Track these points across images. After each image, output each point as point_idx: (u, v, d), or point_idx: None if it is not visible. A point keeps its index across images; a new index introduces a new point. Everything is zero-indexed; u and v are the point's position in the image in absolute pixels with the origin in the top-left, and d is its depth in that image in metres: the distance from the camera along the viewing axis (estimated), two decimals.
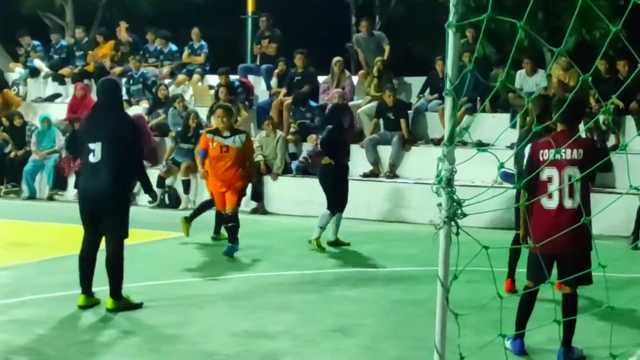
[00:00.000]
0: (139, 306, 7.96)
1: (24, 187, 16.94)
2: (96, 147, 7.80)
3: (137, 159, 8.21)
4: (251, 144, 11.51)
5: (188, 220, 11.85)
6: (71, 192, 16.03)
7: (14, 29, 22.00)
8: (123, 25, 19.74)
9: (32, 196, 16.76)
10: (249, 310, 7.94)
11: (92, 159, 7.81)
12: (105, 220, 7.78)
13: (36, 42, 20.48)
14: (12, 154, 17.22)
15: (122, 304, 7.87)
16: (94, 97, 18.31)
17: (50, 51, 20.12)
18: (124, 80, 18.26)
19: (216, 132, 11.01)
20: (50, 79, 19.57)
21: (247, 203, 14.66)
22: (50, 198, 16.69)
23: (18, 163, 16.96)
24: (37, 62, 19.86)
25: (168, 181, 15.82)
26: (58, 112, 17.97)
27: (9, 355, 6.41)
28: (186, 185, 15.60)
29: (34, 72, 19.81)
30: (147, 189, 8.56)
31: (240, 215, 11.01)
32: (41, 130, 16.96)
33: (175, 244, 11.69)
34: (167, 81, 18.42)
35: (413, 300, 8.40)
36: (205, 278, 9.46)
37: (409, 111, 15.98)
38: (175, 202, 15.60)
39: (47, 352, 6.54)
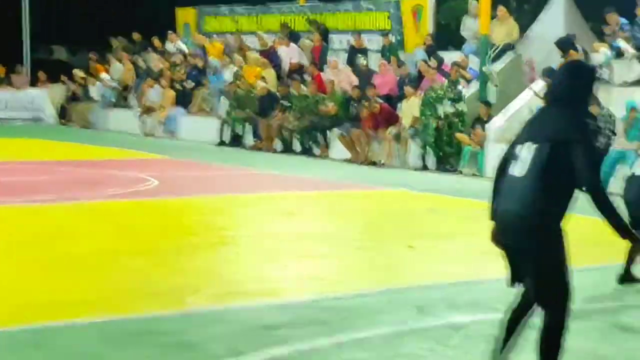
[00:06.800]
0: None
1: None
2: None
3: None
4: None
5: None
6: None
7: (601, 6, 21.75)
8: None
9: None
10: None
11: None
12: None
13: (624, 21, 19.90)
14: None
15: None
16: None
17: (636, 30, 19.70)
18: None
19: None
20: (636, 60, 19.10)
21: None
22: None
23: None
24: (622, 43, 19.44)
25: None
26: None
27: None
28: None
29: (619, 54, 19.39)
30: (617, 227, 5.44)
31: None
32: (626, 118, 16.32)
33: None
34: None
35: None
36: None
37: None
38: None
39: None
